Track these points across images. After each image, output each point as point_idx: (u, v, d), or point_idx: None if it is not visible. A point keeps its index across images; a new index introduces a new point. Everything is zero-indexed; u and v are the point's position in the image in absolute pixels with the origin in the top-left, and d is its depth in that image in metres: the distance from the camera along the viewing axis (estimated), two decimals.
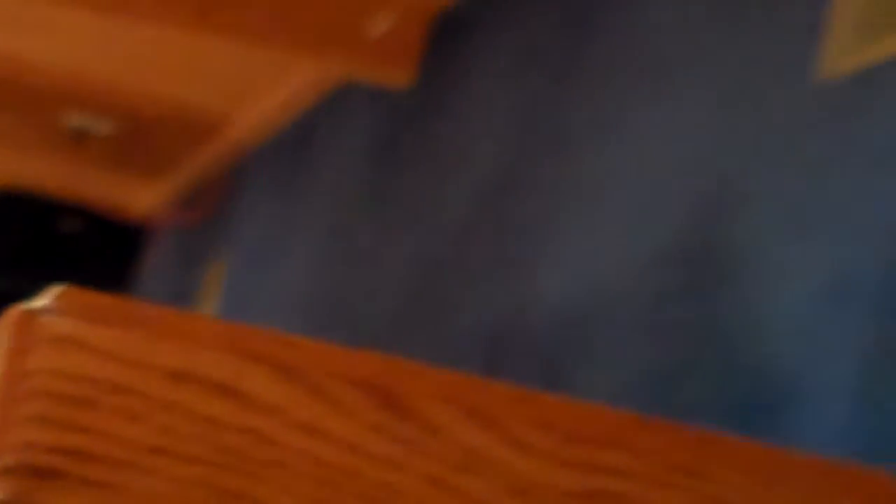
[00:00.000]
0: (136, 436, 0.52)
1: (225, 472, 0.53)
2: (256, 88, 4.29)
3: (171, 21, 3.40)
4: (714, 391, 2.03)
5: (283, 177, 4.36)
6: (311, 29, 3.54)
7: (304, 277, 3.94)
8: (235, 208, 4.75)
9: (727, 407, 1.97)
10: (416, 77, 3.58)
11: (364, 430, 0.54)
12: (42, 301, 0.53)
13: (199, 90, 4.41)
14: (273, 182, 4.43)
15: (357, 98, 3.89)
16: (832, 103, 1.99)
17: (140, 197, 5.43)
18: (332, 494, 0.53)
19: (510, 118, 3.00)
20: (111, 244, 5.42)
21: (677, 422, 0.58)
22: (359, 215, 3.70)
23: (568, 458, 0.56)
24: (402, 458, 0.54)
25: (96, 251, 5.39)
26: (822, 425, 1.77)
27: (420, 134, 3.46)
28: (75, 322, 0.53)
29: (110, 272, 5.38)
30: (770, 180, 2.08)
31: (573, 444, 0.55)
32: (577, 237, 2.57)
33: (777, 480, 0.57)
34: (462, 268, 3.02)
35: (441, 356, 2.96)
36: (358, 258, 3.63)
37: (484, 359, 2.77)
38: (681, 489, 0.56)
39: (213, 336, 0.53)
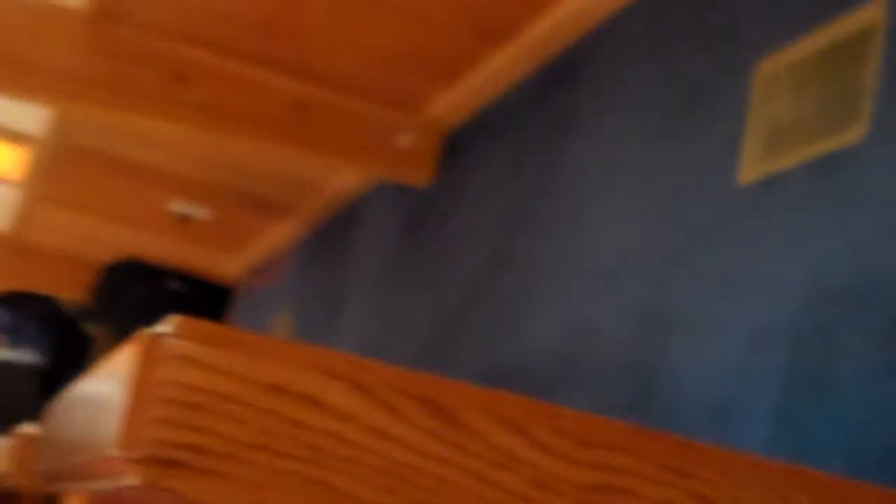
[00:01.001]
0: (241, 435, 0.50)
1: (311, 465, 0.50)
2: (313, 185, 4.29)
3: (253, 135, 3.41)
4: (666, 417, 2.00)
5: (333, 250, 4.35)
6: (354, 142, 3.55)
7: (351, 329, 3.92)
8: (298, 274, 4.74)
9: (677, 429, 1.94)
10: (434, 178, 3.57)
11: (420, 433, 0.51)
12: (164, 327, 0.51)
13: (271, 186, 4.41)
14: (326, 255, 4.42)
15: (389, 193, 3.88)
16: (747, 202, 1.98)
17: (227, 265, 5.42)
18: (396, 484, 0.50)
19: (504, 209, 2.99)
20: (206, 300, 5.41)
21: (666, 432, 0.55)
22: (392, 281, 3.68)
23: (581, 458, 0.53)
24: (450, 457, 0.51)
25: (195, 305, 5.37)
26: (749, 442, 1.74)
27: (437, 221, 3.44)
28: (191, 344, 0.51)
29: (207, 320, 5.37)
30: (703, 258, 2.06)
31: (585, 447, 0.52)
32: (557, 299, 2.55)
33: (746, 478, 0.53)
34: (470, 323, 2.99)
35: None
36: (392, 314, 3.61)
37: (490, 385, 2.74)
38: (671, 485, 0.53)
39: (301, 357, 0.51)
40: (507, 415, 0.51)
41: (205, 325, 0.50)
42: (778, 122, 1.97)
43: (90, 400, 0.59)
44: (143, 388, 0.48)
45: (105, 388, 0.54)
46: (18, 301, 5.95)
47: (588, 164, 2.61)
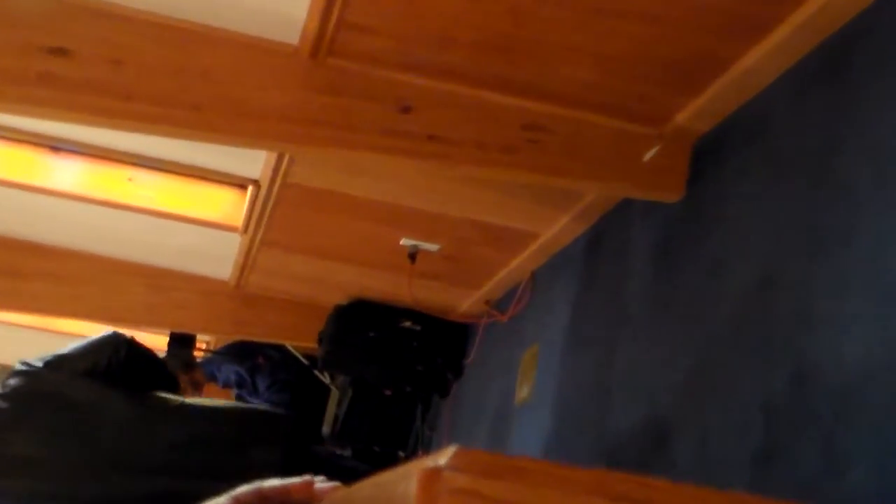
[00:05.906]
0: None
1: None
2: (553, 211, 4.30)
3: (484, 162, 3.43)
4: None
5: (578, 280, 4.35)
6: (594, 161, 3.54)
7: (602, 362, 3.90)
8: (540, 305, 4.76)
9: None
10: (684, 193, 3.53)
11: None
12: (442, 459, 0.53)
13: (507, 216, 4.44)
14: (569, 281, 4.43)
15: (635, 212, 3.87)
16: None
17: (462, 301, 5.49)
18: None
19: (764, 225, 2.94)
20: (442, 338, 5.48)
21: None
22: (640, 306, 3.66)
23: None
24: None
25: (431, 344, 5.45)
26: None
27: (692, 240, 3.40)
28: (470, 476, 0.52)
29: (444, 360, 5.45)
30: None
31: None
32: (841, 321, 2.48)
33: None
34: (738, 352, 2.94)
35: (725, 424, 2.88)
36: (642, 342, 3.59)
37: (764, 427, 2.68)
38: None
39: (581, 482, 0.52)
40: None
41: (482, 456, 0.52)
42: None
43: None
44: None
45: None
46: (246, 353, 6.11)
47: (860, 168, 2.54)
